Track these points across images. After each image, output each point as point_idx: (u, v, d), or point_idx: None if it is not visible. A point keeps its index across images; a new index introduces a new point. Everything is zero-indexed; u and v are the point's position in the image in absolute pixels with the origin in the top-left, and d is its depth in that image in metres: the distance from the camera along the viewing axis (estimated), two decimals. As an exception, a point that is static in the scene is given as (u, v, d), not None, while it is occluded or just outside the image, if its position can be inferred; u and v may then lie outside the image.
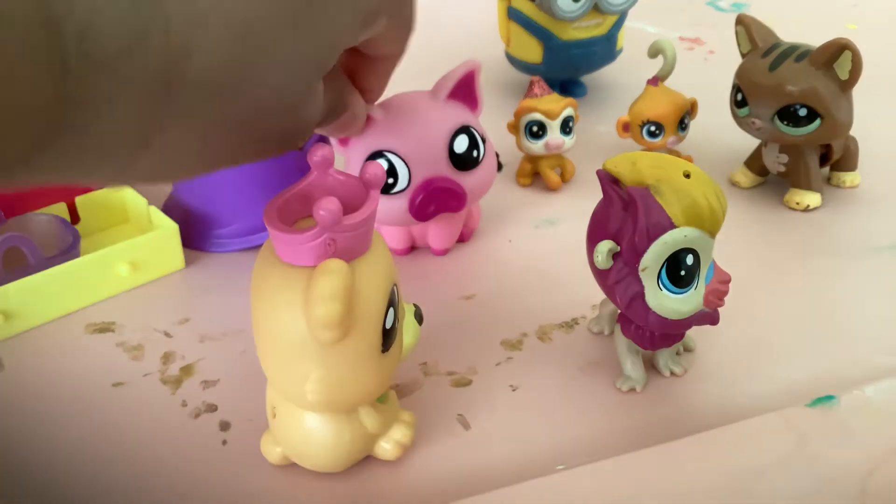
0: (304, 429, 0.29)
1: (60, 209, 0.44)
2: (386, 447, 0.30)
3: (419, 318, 0.30)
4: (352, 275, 0.25)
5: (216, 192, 0.44)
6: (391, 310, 0.27)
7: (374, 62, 0.29)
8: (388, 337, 0.27)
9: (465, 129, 0.39)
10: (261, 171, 0.43)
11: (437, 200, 0.39)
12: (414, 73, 0.68)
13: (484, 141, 0.40)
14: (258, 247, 0.44)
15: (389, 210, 0.39)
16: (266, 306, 0.27)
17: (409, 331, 0.29)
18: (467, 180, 0.40)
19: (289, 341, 0.26)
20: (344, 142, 0.40)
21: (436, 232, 0.43)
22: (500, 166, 0.47)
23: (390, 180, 0.38)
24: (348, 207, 0.25)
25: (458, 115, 0.40)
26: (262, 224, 0.45)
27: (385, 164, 0.38)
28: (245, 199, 0.43)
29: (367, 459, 0.31)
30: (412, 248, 0.44)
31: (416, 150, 0.38)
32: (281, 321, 0.26)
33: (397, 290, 0.28)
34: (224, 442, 0.32)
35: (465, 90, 0.40)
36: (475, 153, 0.40)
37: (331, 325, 0.24)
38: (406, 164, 0.38)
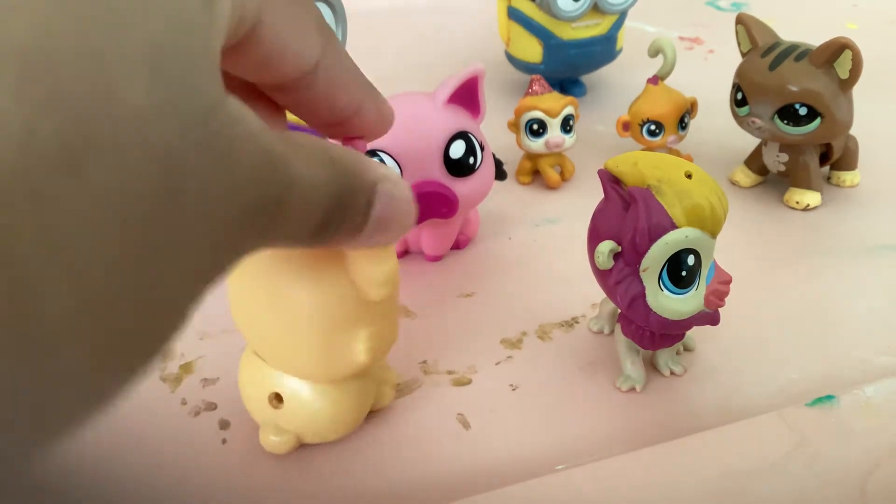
0: (319, 403, 0.30)
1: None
2: (388, 392, 0.33)
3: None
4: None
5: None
6: None
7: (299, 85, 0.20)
8: None
9: (462, 135, 0.38)
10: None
11: (426, 205, 0.38)
12: (413, 72, 0.69)
13: (482, 148, 0.40)
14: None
15: None
16: (290, 288, 0.26)
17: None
18: (462, 187, 0.39)
19: (331, 312, 0.26)
20: (347, 139, 0.39)
21: (428, 238, 0.42)
22: (503, 174, 0.46)
23: None
24: None
25: (457, 119, 0.39)
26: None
27: None
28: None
29: (366, 459, 0.31)
30: (406, 253, 0.44)
31: (409, 152, 0.38)
32: (320, 296, 0.26)
33: None
34: (224, 441, 0.32)
35: (467, 95, 0.39)
36: (472, 160, 0.39)
37: (392, 282, 0.26)
38: (398, 164, 0.38)
